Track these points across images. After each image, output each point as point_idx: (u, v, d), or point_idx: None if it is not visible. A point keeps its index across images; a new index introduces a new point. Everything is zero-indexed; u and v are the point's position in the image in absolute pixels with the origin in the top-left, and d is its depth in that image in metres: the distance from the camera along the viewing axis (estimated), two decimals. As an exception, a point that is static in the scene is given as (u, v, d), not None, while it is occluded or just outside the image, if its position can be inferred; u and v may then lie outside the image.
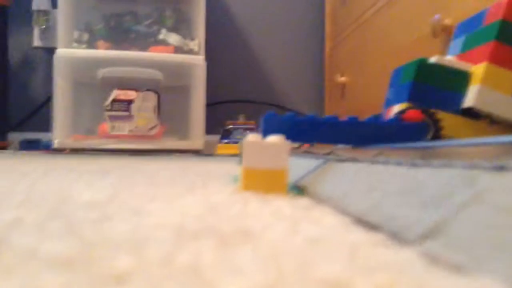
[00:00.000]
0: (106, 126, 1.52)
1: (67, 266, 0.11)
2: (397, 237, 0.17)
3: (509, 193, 0.15)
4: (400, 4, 1.15)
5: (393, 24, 1.20)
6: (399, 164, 0.27)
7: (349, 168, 0.34)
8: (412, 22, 1.08)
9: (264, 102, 1.93)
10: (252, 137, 0.35)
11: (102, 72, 1.56)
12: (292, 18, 1.96)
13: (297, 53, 1.97)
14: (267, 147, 0.34)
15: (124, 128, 1.57)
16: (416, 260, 0.13)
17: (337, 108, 1.68)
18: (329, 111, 1.79)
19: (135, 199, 0.27)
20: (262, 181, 0.33)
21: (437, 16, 0.90)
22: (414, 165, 0.25)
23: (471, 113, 0.44)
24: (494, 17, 0.43)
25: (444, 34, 0.90)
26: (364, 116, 1.44)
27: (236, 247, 0.14)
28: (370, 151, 0.38)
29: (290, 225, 0.18)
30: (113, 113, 1.53)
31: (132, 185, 0.38)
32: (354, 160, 0.36)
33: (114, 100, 1.53)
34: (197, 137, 1.59)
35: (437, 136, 0.44)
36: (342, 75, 1.60)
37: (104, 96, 1.53)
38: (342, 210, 0.24)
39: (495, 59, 0.42)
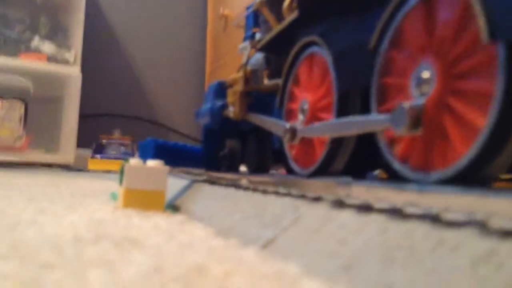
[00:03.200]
0: (-37, 134, 1.40)
1: (10, 259, 0.15)
2: (246, 247, 0.24)
3: (317, 218, 0.23)
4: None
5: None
6: (255, 190, 0.34)
7: (219, 191, 0.41)
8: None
9: (142, 118, 1.93)
10: (134, 161, 0.39)
11: (-38, 76, 1.44)
12: (174, 38, 2.00)
13: (178, 73, 2.01)
14: (148, 170, 0.39)
15: (-16, 137, 1.46)
16: (252, 256, 0.19)
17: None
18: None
19: (24, 214, 0.30)
20: (141, 201, 0.37)
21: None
22: (265, 192, 0.32)
23: None
24: None
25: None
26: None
27: (128, 249, 0.19)
28: (239, 177, 0.45)
29: (167, 235, 0.24)
30: (-28, 120, 1.42)
31: (12, 202, 0.39)
32: (222, 184, 0.42)
33: (-26, 107, 1.42)
34: (68, 151, 1.53)
35: None
36: (219, 100, 1.68)
37: (-37, 102, 1.41)
38: (209, 226, 0.30)
39: None
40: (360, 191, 0.25)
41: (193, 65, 2.04)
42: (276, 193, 0.31)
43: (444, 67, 0.26)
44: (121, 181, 0.42)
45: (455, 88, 0.25)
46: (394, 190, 0.23)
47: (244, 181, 0.42)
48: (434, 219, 0.17)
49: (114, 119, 1.87)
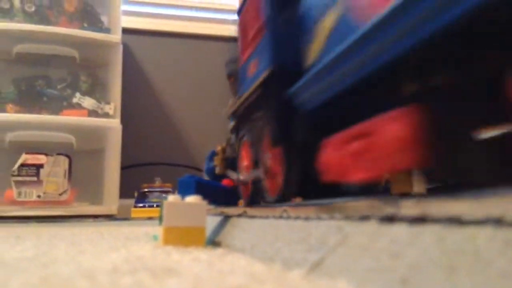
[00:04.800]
0: (12, 192, 1.45)
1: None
2: (291, 270, 0.22)
3: (365, 235, 0.21)
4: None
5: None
6: (297, 218, 0.33)
7: (259, 223, 0.39)
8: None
9: (182, 165, 1.95)
10: (172, 198, 0.39)
11: (9, 136, 1.51)
12: (209, 85, 2.04)
13: (214, 118, 2.04)
14: (187, 207, 0.38)
15: (32, 194, 1.50)
16: (298, 277, 0.18)
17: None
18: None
19: (63, 254, 0.29)
20: (182, 238, 0.36)
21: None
22: (307, 219, 0.30)
23: None
24: None
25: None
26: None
27: (165, 277, 0.18)
28: (277, 209, 0.43)
29: (207, 265, 0.22)
30: (20, 178, 1.47)
31: (53, 246, 0.39)
32: (263, 217, 0.41)
33: (22, 165, 1.47)
34: (111, 202, 1.56)
35: None
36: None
37: (12, 161, 1.47)
38: (251, 256, 0.29)
39: None
40: (409, 207, 0.24)
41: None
42: (319, 218, 0.29)
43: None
44: (161, 222, 0.42)
45: None
46: (447, 200, 0.21)
47: (284, 213, 0.40)
48: (497, 222, 0.15)
49: (155, 168, 1.90)
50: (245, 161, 0.58)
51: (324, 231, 0.24)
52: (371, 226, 0.21)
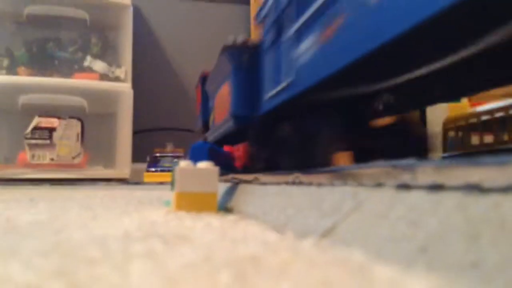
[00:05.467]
0: (26, 154, 1.47)
1: (55, 255, 0.14)
2: (304, 238, 0.22)
3: (381, 202, 0.20)
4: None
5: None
6: (309, 184, 0.32)
7: (271, 189, 0.39)
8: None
9: (193, 131, 1.95)
10: (184, 164, 0.39)
11: (22, 99, 1.51)
12: (220, 46, 2.01)
13: (223, 84, 2.02)
14: (199, 172, 0.38)
15: (45, 156, 1.52)
16: (311, 245, 0.17)
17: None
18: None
19: (76, 219, 0.30)
20: (194, 203, 0.36)
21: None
22: (320, 185, 0.30)
23: None
24: None
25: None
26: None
27: (177, 244, 0.17)
28: (288, 176, 0.43)
29: (219, 232, 0.22)
30: (34, 141, 1.48)
31: (66, 209, 0.40)
32: (274, 183, 0.41)
33: (35, 128, 1.48)
34: (124, 166, 1.57)
35: None
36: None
37: (25, 124, 1.48)
38: (263, 223, 0.29)
39: None
40: (427, 173, 0.23)
41: (239, 72, 2.03)
42: (332, 184, 0.29)
43: None
44: (172, 187, 0.41)
45: None
46: (468, 166, 0.20)
47: (296, 179, 0.40)
48: (523, 190, 0.15)
49: (167, 133, 1.90)
50: None
51: (338, 198, 0.24)
52: (388, 193, 0.21)
